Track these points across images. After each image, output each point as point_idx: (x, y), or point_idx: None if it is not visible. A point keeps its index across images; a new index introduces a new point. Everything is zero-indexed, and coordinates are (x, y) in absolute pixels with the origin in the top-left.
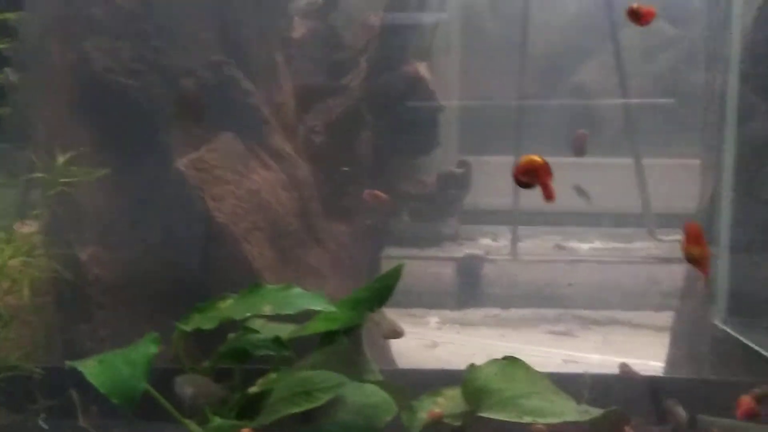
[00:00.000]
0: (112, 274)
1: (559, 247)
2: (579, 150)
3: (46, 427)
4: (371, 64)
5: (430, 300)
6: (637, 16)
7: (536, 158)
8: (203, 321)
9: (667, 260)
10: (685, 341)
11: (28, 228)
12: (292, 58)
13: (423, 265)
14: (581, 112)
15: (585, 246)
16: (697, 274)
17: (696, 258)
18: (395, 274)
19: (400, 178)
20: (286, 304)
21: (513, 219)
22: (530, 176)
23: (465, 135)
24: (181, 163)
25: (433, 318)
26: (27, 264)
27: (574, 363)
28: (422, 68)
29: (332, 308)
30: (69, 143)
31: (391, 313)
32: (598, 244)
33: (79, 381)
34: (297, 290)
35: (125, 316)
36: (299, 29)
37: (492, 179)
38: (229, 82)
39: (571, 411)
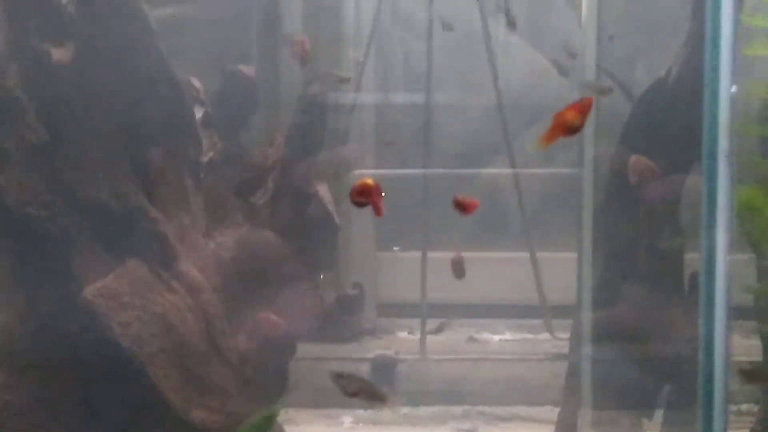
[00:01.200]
0: (21, 400)
1: (472, 339)
2: (459, 272)
3: None
4: (277, 183)
5: (344, 399)
6: (462, 207)
7: (369, 180)
8: None
9: (563, 356)
10: None
11: None
12: (202, 179)
13: (338, 365)
14: (487, 211)
15: (496, 337)
16: None
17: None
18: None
19: (301, 296)
20: None
21: (421, 313)
22: (364, 196)
23: (381, 232)
24: (89, 291)
25: (347, 417)
26: None
27: None
28: (322, 189)
29: None
30: None
31: (306, 414)
32: (507, 336)
33: None
34: None
35: None
36: (209, 151)
37: (406, 273)
38: (136, 212)
39: None
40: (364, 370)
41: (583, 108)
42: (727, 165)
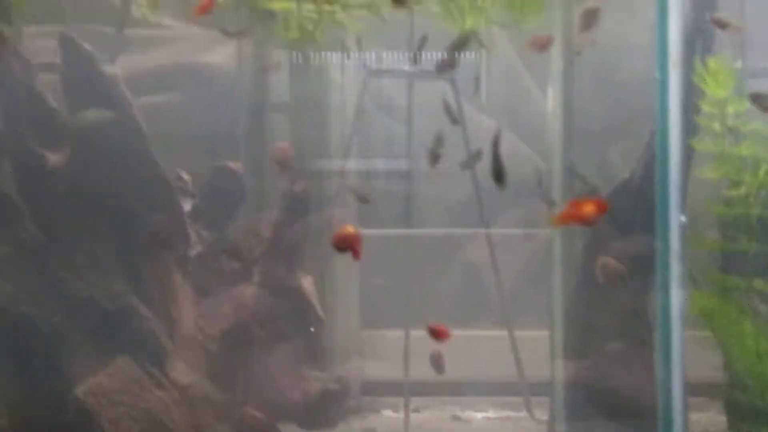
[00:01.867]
0: None
1: (456, 418)
2: (438, 368)
3: None
4: (262, 274)
5: None
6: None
7: (350, 228)
8: None
9: None
10: None
11: None
12: (190, 273)
13: None
14: (468, 289)
15: (479, 415)
16: None
17: None
18: None
19: (285, 388)
20: None
21: (404, 392)
22: (345, 243)
23: (366, 311)
24: (81, 390)
25: None
26: None
27: None
28: (306, 282)
29: None
30: None
31: None
32: (491, 413)
33: None
34: None
35: None
36: (196, 245)
37: (390, 351)
38: (127, 310)
39: None
40: None
41: (601, 206)
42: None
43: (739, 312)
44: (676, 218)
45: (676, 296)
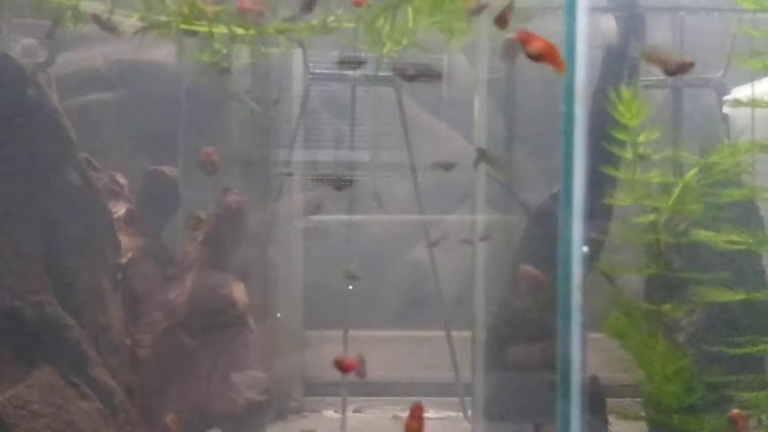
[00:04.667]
0: None
1: (396, 418)
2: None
3: None
4: (194, 282)
5: None
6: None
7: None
8: None
9: None
10: None
11: None
12: (120, 281)
13: None
14: (414, 291)
15: None
16: None
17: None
18: None
19: (212, 397)
20: None
21: (342, 392)
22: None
23: (309, 312)
24: None
25: None
26: None
27: None
28: (237, 290)
29: None
30: None
31: None
32: (431, 413)
33: None
34: None
35: None
36: (128, 251)
37: (331, 351)
38: (49, 319)
39: None
40: None
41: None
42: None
43: (649, 335)
44: (579, 249)
45: (577, 326)
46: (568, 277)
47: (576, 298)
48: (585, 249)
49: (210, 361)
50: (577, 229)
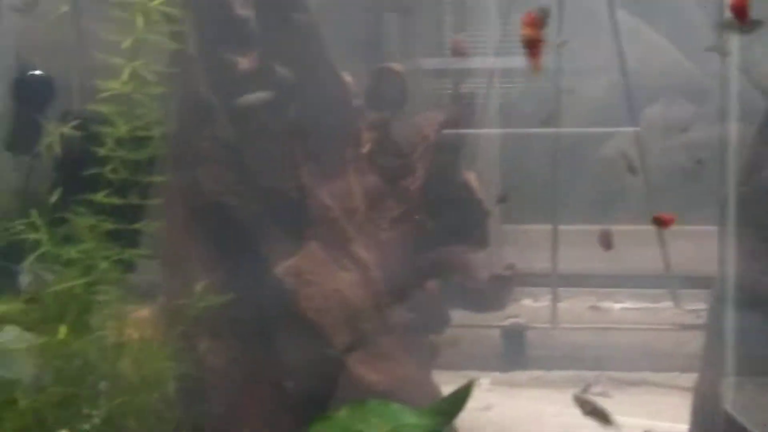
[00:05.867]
0: (222, 362)
1: (594, 308)
2: (606, 244)
3: None
4: (426, 171)
5: (482, 363)
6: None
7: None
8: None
9: (692, 327)
10: (703, 410)
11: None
12: (362, 168)
13: (475, 332)
14: (612, 186)
15: (617, 306)
16: None
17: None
18: (466, 392)
19: (454, 271)
20: (388, 417)
21: (552, 282)
22: None
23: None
24: (280, 270)
25: (485, 380)
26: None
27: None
28: (472, 178)
29: (422, 420)
30: (185, 255)
31: (448, 375)
32: (628, 304)
33: None
34: (395, 405)
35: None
36: (366, 142)
37: (532, 246)
38: (312, 200)
39: None
40: (495, 336)
41: None
42: None
43: None
44: None
45: None
46: None
47: None
48: None
49: (450, 242)
50: None
